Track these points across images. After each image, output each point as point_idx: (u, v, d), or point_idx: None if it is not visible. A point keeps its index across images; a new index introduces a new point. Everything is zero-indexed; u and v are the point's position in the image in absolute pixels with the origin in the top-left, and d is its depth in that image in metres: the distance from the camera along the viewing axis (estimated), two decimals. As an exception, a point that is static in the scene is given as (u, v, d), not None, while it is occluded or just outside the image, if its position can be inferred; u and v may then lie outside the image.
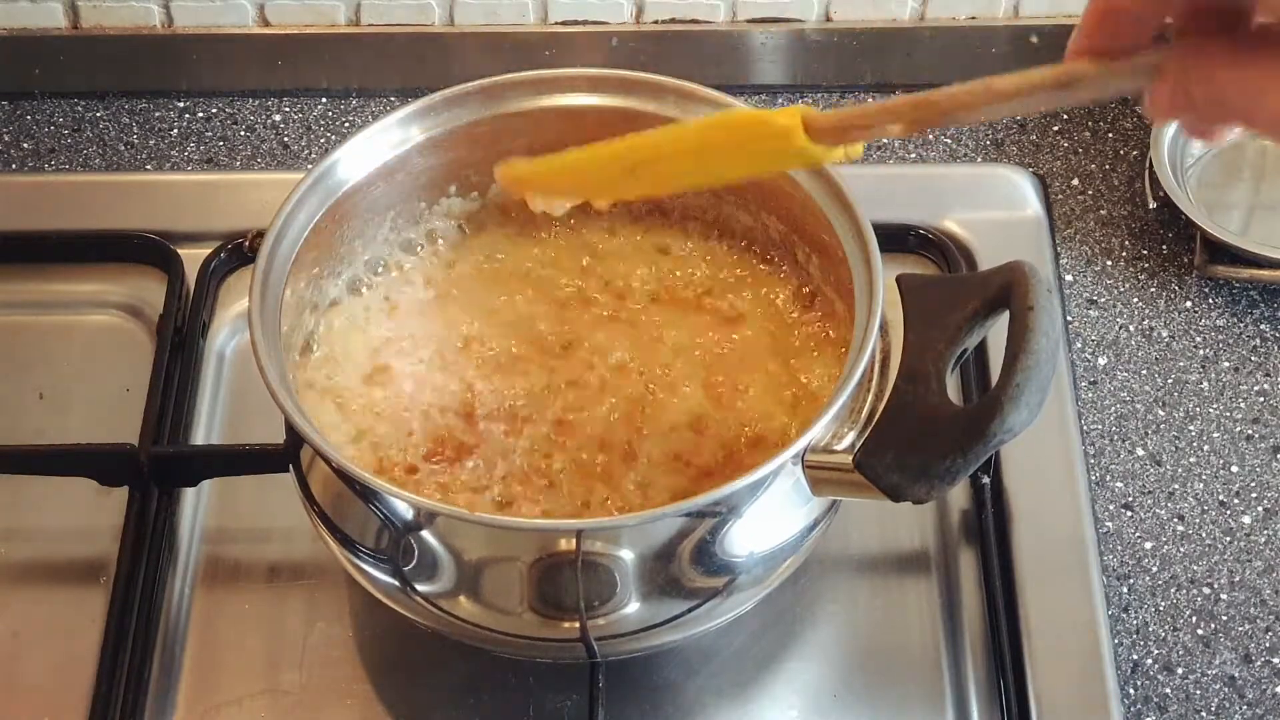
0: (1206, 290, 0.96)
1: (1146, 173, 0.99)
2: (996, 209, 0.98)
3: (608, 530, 0.69)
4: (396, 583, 0.72)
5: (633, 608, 0.70)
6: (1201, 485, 0.87)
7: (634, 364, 0.78)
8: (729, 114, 0.71)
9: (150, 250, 0.95)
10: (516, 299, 0.81)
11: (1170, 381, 0.92)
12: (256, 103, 1.06)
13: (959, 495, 0.85)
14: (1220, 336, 0.93)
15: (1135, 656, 0.81)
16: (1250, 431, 0.89)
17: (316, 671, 0.80)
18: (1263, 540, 0.85)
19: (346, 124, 1.05)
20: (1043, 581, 0.82)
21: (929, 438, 0.67)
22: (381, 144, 0.78)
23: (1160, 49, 0.41)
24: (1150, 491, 0.87)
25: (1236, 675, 0.81)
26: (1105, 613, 0.81)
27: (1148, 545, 0.85)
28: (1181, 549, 0.85)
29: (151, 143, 1.04)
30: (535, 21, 1.04)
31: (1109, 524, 0.86)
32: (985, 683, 0.80)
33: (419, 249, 0.83)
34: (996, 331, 0.69)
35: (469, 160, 0.81)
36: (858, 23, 1.04)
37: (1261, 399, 0.91)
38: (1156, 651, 0.81)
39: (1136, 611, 0.83)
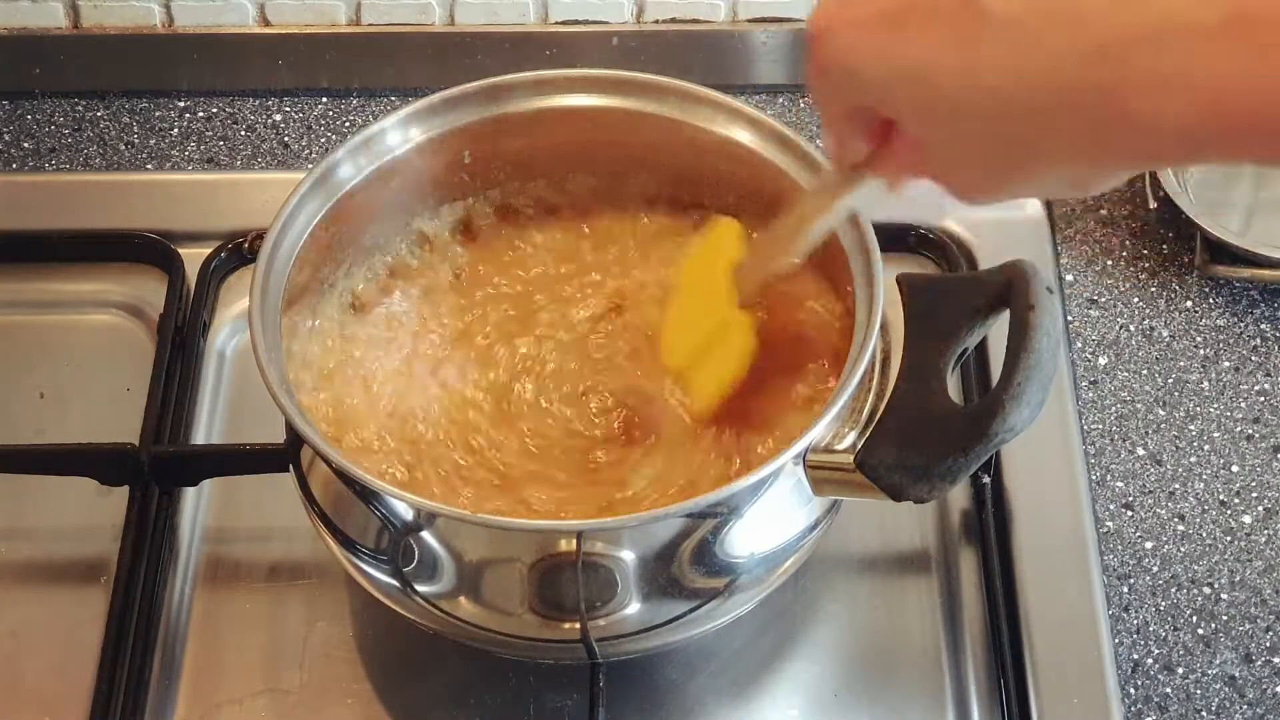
0: (1207, 290, 0.96)
1: (1147, 172, 0.99)
2: (997, 208, 0.97)
3: (608, 531, 0.69)
4: (396, 583, 0.72)
5: (633, 609, 0.70)
6: (1202, 485, 0.87)
7: (635, 362, 0.78)
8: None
9: (150, 250, 0.95)
10: (517, 298, 0.81)
11: (1171, 381, 0.92)
12: (257, 102, 1.06)
13: (959, 495, 0.85)
14: (1221, 336, 0.93)
15: (1135, 656, 0.81)
16: (1250, 431, 0.89)
17: (316, 671, 0.80)
18: (1263, 540, 0.85)
19: (347, 124, 1.05)
20: (1043, 581, 0.82)
21: (930, 437, 0.67)
22: (382, 144, 0.78)
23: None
24: (1151, 491, 0.87)
25: (1237, 675, 0.81)
26: (1105, 612, 0.81)
27: (1148, 545, 0.85)
28: (1182, 549, 0.85)
29: (152, 142, 1.04)
30: (535, 21, 1.04)
31: (1109, 523, 0.86)
32: (985, 682, 0.80)
33: (419, 249, 0.83)
34: (997, 331, 0.69)
35: (469, 161, 0.81)
36: (858, 22, 1.04)
37: (1262, 399, 0.91)
38: (1157, 651, 0.81)
39: (1137, 611, 0.83)
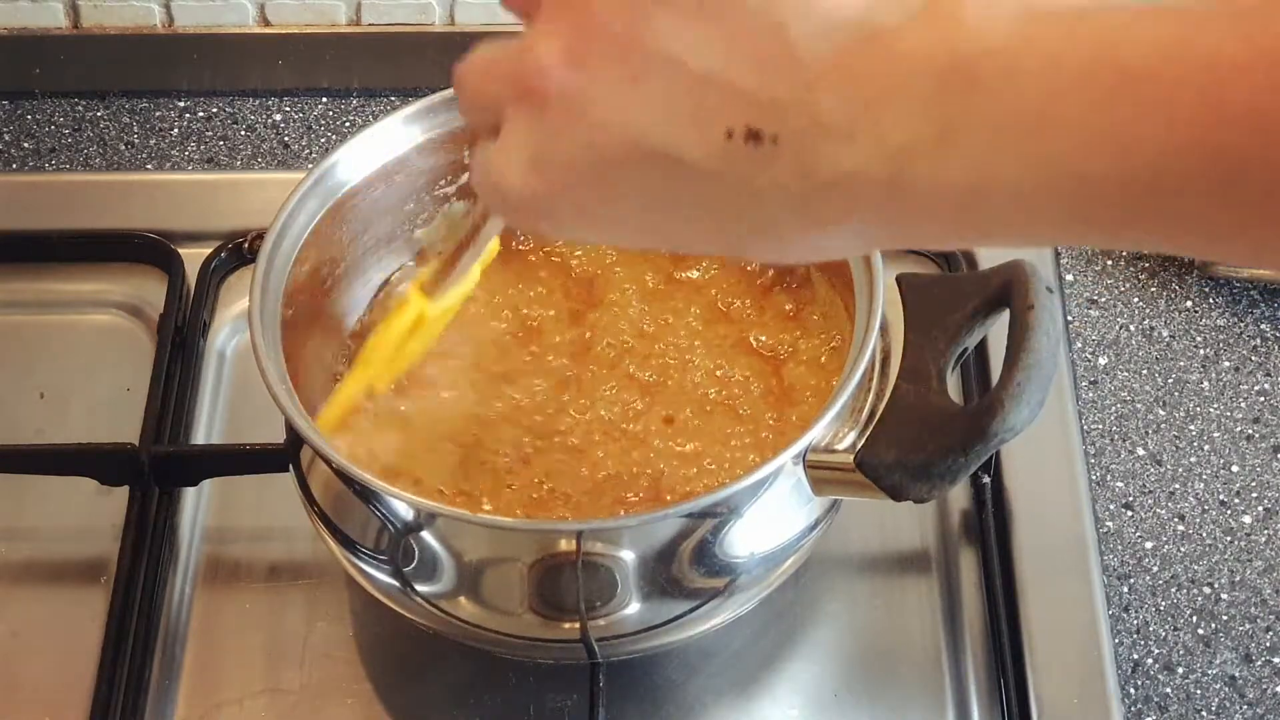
0: (1207, 290, 0.96)
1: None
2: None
3: (608, 531, 0.69)
4: (397, 583, 0.72)
5: (633, 609, 0.70)
6: (1202, 485, 0.87)
7: (637, 363, 0.78)
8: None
9: (150, 250, 0.95)
10: (517, 300, 0.81)
11: (1171, 381, 0.92)
12: (257, 102, 1.06)
13: (959, 495, 0.85)
14: (1221, 336, 0.93)
15: (1135, 656, 0.81)
16: (1250, 431, 0.89)
17: (316, 671, 0.80)
18: (1263, 540, 0.85)
19: (347, 124, 1.05)
20: (1043, 581, 0.82)
21: (930, 436, 0.67)
22: (382, 144, 0.78)
23: None
24: (1150, 491, 0.87)
25: (1237, 675, 0.81)
26: (1105, 612, 0.81)
27: (1148, 545, 0.85)
28: (1182, 549, 0.85)
29: (152, 142, 1.04)
30: (535, 21, 1.04)
31: (1109, 524, 0.86)
32: (985, 682, 0.80)
33: (419, 250, 0.83)
34: (997, 331, 0.69)
35: (470, 161, 0.81)
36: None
37: (1262, 399, 0.91)
38: (1157, 651, 0.81)
39: (1137, 611, 0.83)
